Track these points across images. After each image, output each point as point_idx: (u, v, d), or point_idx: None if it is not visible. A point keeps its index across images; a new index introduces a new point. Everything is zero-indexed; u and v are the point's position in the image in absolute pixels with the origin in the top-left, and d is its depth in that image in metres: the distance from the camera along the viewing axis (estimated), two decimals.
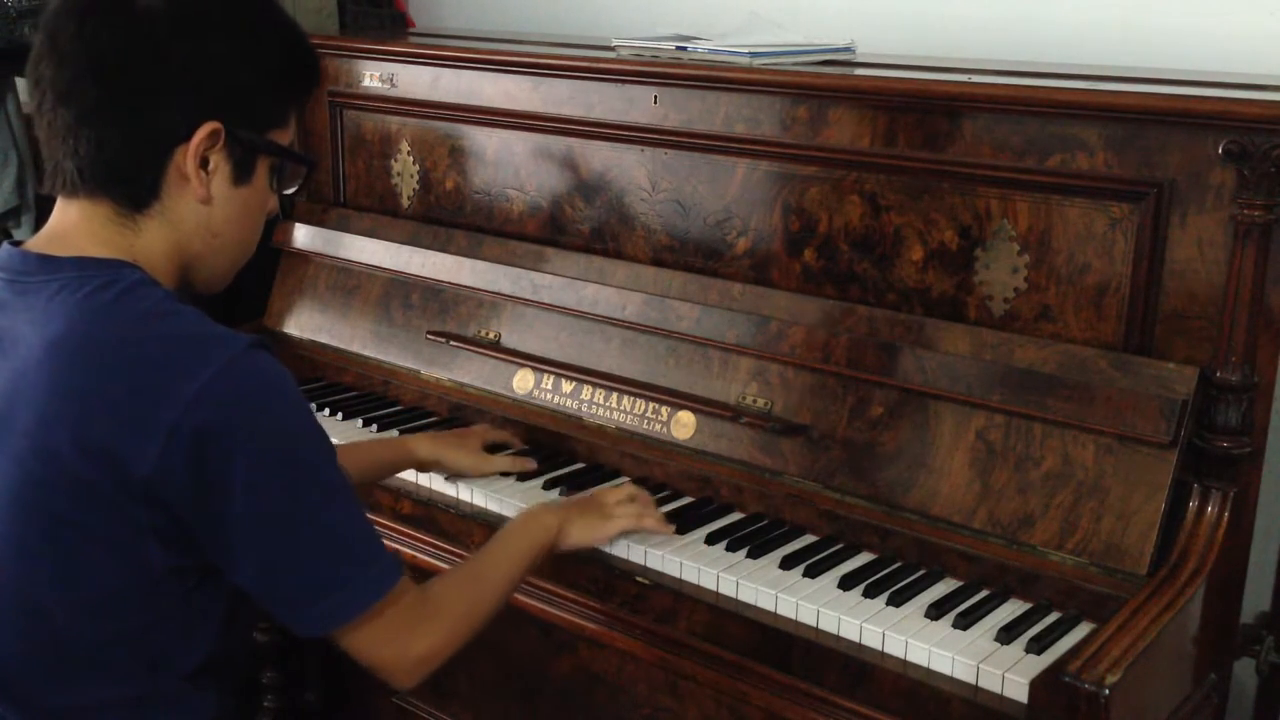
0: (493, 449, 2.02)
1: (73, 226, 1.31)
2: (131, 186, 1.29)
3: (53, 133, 1.29)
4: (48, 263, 1.28)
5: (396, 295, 2.35)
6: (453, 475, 1.96)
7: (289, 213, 2.57)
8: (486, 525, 1.88)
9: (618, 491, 1.79)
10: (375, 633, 1.32)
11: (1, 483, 1.24)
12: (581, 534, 1.68)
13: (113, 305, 1.24)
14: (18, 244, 1.33)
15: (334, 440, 1.35)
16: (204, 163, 1.30)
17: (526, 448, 2.06)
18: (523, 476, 1.96)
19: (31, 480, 1.22)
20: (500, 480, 1.95)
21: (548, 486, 1.93)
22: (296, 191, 1.49)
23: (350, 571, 1.29)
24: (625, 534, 1.74)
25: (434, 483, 1.97)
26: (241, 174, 1.34)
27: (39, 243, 1.32)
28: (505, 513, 1.89)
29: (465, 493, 1.94)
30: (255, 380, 1.24)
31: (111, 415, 1.20)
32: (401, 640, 1.34)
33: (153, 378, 1.20)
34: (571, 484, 1.93)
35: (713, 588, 1.68)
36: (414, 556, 1.94)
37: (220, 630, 1.34)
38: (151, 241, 1.31)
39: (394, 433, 2.16)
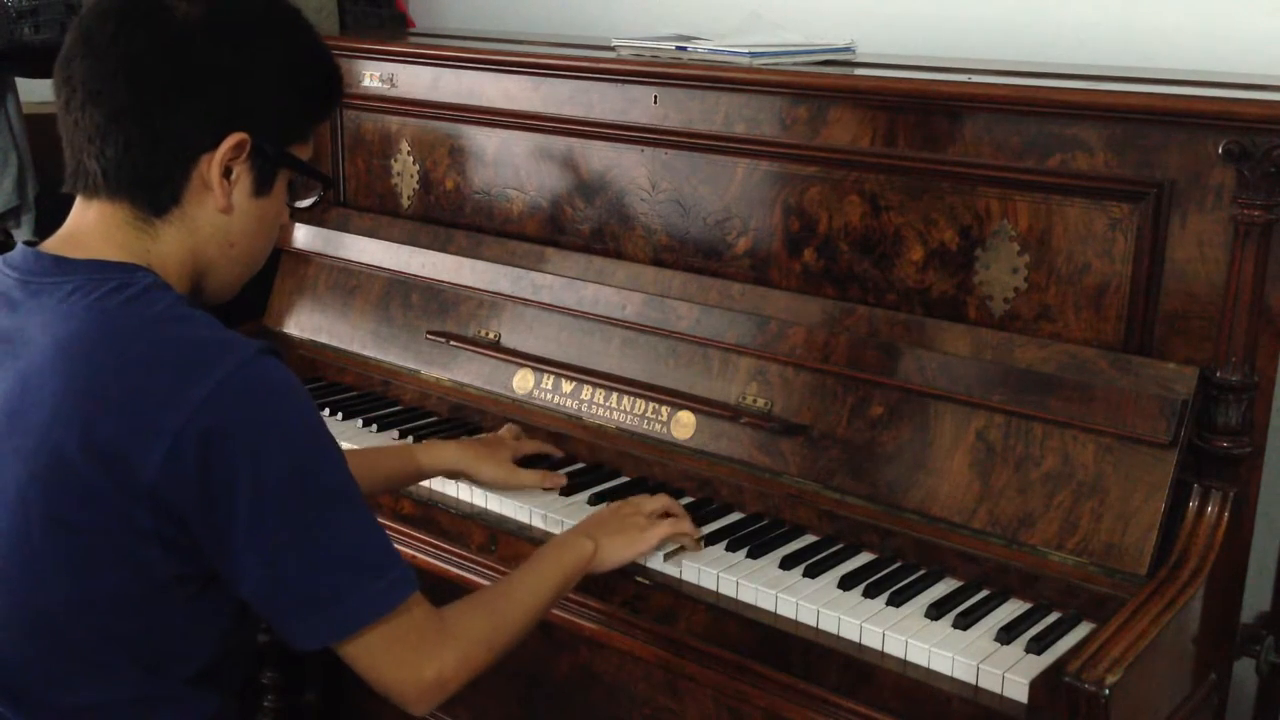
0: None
1: (89, 228, 1.31)
2: (154, 191, 1.29)
3: (79, 132, 1.29)
4: (61, 264, 1.28)
5: (396, 295, 2.35)
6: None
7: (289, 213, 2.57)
8: (486, 525, 1.88)
9: (652, 502, 1.73)
10: (383, 648, 1.28)
11: (8, 482, 1.24)
12: (620, 551, 1.63)
13: (124, 308, 1.24)
14: (32, 244, 1.33)
15: (343, 445, 1.33)
16: (227, 172, 1.30)
17: (560, 455, 2.01)
18: None
19: (38, 481, 1.22)
20: None
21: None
22: (313, 205, 1.50)
23: (357, 580, 1.26)
24: (663, 542, 1.69)
25: (433, 482, 1.97)
26: (262, 186, 1.35)
27: (54, 244, 1.32)
28: (505, 512, 1.89)
29: (465, 492, 1.94)
30: (263, 386, 1.23)
31: (119, 418, 1.19)
32: (412, 661, 1.30)
33: (161, 381, 1.20)
34: (571, 484, 1.93)
35: (713, 588, 1.68)
36: (414, 556, 1.94)
37: (222, 636, 1.33)
38: (167, 247, 1.31)
39: (394, 433, 2.16)
